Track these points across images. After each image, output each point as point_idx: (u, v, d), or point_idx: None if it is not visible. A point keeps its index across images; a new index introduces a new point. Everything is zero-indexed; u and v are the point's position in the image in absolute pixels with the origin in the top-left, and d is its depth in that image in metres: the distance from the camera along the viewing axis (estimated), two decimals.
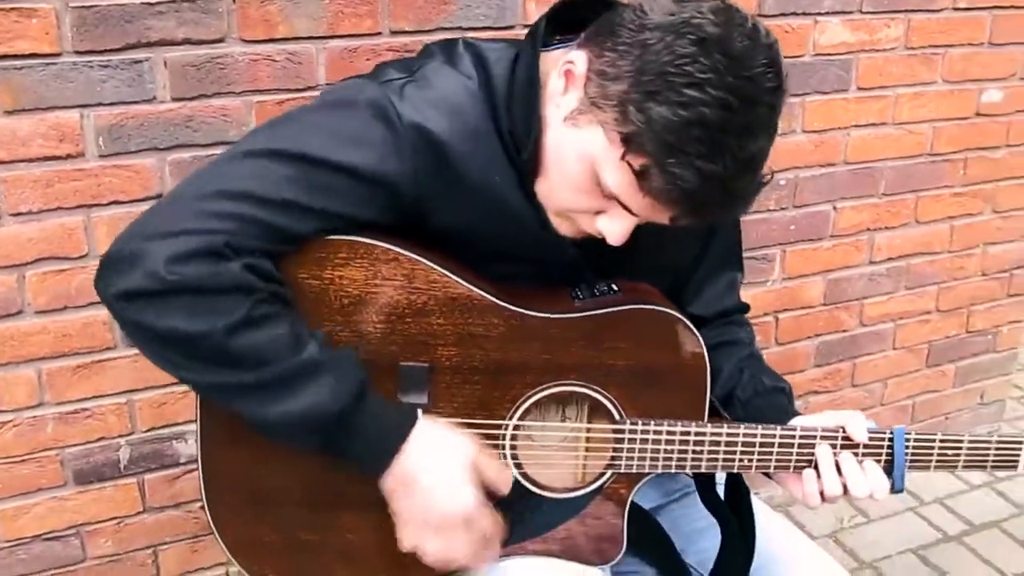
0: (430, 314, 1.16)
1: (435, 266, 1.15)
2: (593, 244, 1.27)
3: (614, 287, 1.26)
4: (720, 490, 1.47)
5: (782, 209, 2.35)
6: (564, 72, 1.11)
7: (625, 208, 1.10)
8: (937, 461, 1.32)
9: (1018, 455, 1.35)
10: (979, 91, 2.46)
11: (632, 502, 1.45)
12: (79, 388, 1.83)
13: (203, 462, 1.21)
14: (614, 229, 1.13)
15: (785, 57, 2.12)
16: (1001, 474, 2.88)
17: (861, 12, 2.22)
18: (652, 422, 1.23)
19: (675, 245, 1.36)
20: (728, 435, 1.25)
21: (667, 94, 0.99)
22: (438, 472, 1.12)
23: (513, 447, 1.24)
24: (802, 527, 2.64)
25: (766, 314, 2.45)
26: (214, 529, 1.23)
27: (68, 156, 1.68)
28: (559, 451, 1.27)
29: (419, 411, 1.15)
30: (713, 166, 0.99)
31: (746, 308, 1.55)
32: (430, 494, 1.12)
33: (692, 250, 1.41)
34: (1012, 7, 2.39)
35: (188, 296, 1.04)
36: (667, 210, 1.06)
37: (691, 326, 1.23)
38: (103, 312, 1.79)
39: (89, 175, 1.71)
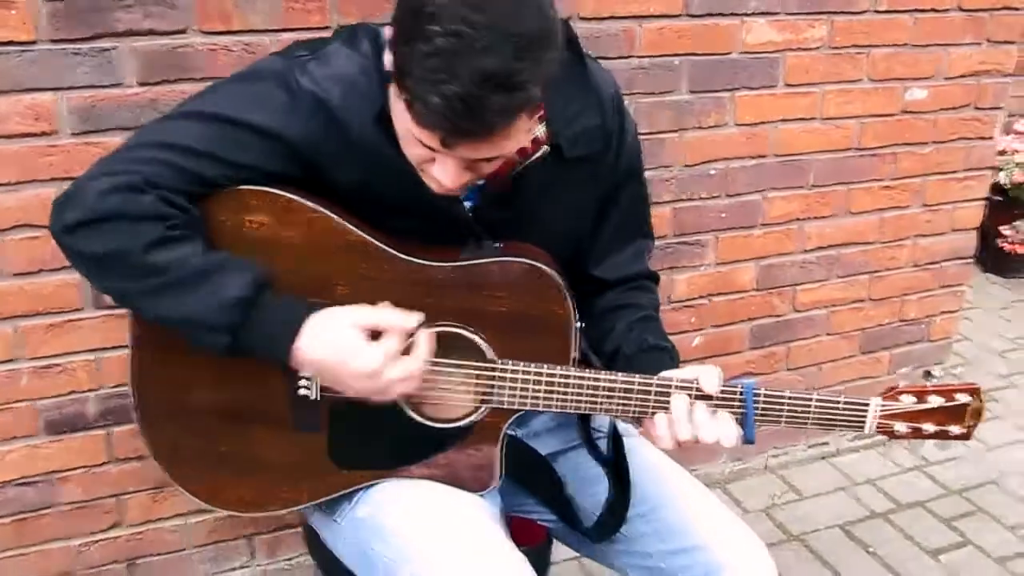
0: (329, 258, 1.34)
1: (333, 215, 1.34)
2: (488, 208, 1.44)
3: (498, 245, 1.43)
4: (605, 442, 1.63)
5: (714, 197, 2.51)
6: (386, 43, 1.28)
7: (433, 150, 1.24)
8: (787, 417, 1.45)
9: (864, 417, 1.45)
10: (903, 89, 2.63)
11: (531, 448, 1.63)
12: (52, 345, 2.02)
13: (135, 381, 1.39)
14: (439, 174, 1.28)
15: (713, 55, 2.31)
16: (934, 456, 3.03)
17: (786, 13, 2.39)
18: (522, 363, 1.40)
19: (572, 214, 1.52)
20: (592, 379, 1.41)
21: (413, 33, 1.14)
22: (336, 346, 1.29)
23: None
24: (738, 502, 2.80)
25: (701, 297, 2.62)
26: (144, 439, 1.41)
27: (43, 134, 1.87)
28: (441, 386, 1.43)
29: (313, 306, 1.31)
30: (452, 87, 1.12)
31: (653, 275, 1.69)
32: (338, 371, 1.30)
33: (587, 215, 1.55)
34: (932, 10, 2.55)
35: (113, 222, 1.26)
36: (435, 135, 1.19)
37: (560, 281, 1.39)
38: (75, 276, 1.97)
39: (63, 151, 1.90)
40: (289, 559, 2.43)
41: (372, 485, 1.47)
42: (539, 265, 1.38)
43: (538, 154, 1.41)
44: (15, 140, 1.86)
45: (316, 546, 1.65)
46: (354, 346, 1.29)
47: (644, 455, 1.64)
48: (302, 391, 1.40)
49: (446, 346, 1.41)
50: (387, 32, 1.27)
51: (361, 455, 1.45)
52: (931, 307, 3.00)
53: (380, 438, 1.44)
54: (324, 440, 1.44)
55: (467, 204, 1.44)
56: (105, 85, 1.88)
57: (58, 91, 1.85)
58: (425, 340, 1.35)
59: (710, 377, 1.42)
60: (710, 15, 2.32)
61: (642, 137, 2.27)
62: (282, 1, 1.94)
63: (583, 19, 2.19)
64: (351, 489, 1.47)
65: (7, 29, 1.79)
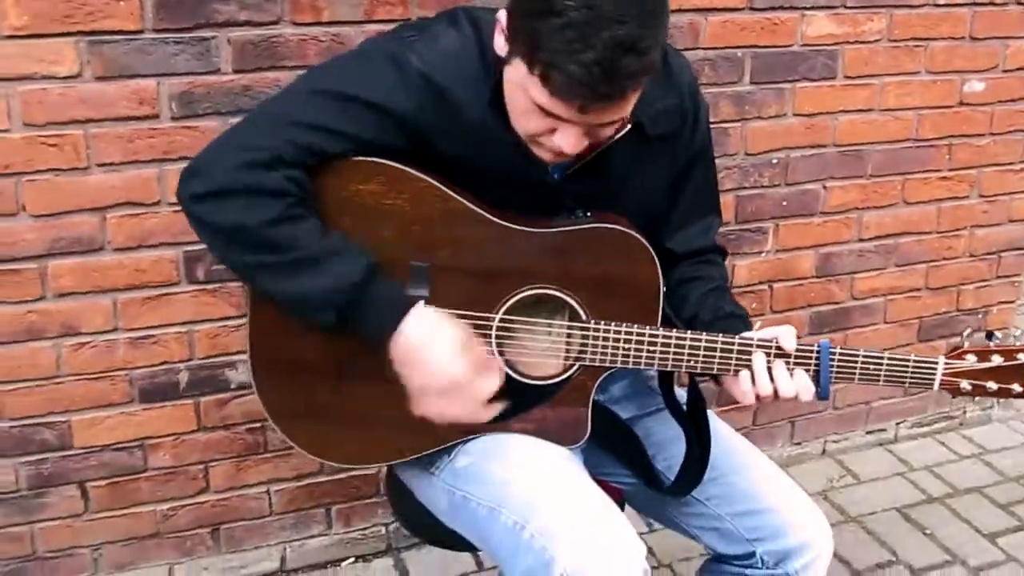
0: (433, 223, 1.45)
1: (439, 184, 1.44)
2: (576, 180, 1.54)
3: (588, 214, 1.53)
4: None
5: (775, 186, 2.59)
6: (497, 28, 1.38)
7: (561, 119, 1.34)
8: (860, 374, 1.54)
9: (933, 375, 1.54)
10: (961, 81, 2.68)
11: (613, 412, 1.72)
12: (147, 317, 2.15)
13: (252, 341, 1.50)
14: (564, 141, 1.36)
15: (774, 47, 2.39)
16: (992, 444, 3.07)
17: (845, 7, 2.46)
18: (613, 323, 1.49)
19: (650, 188, 1.62)
20: (677, 338, 1.50)
21: (543, 9, 1.24)
22: (433, 346, 1.39)
23: (500, 340, 1.51)
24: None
25: (760, 283, 2.69)
26: (257, 395, 1.53)
27: (146, 117, 2.01)
28: (537, 345, 1.53)
29: (418, 300, 1.42)
30: (590, 55, 1.22)
31: (721, 250, 1.78)
32: (426, 365, 1.40)
33: (663, 191, 1.65)
34: (991, 3, 2.61)
35: (239, 197, 1.37)
36: (573, 103, 1.29)
37: (647, 246, 1.49)
38: (172, 251, 2.11)
39: (163, 134, 2.03)
40: (363, 529, 2.54)
41: (471, 439, 1.56)
42: (629, 231, 1.48)
43: (623, 132, 1.51)
44: (120, 123, 2.00)
45: (402, 502, 1.75)
46: (451, 351, 1.39)
47: (715, 427, 1.72)
48: None
49: (542, 307, 1.51)
50: (501, 16, 1.36)
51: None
52: (988, 297, 3.04)
53: None
54: None
55: (555, 177, 1.54)
56: (203, 72, 2.01)
57: (161, 77, 1.99)
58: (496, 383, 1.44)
59: (788, 336, 1.52)
60: (772, 9, 2.40)
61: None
62: None
63: None
64: (451, 443, 1.57)
65: (117, 19, 1.92)
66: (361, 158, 1.43)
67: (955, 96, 2.70)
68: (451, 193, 1.45)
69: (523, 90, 1.34)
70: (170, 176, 2.05)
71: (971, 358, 1.54)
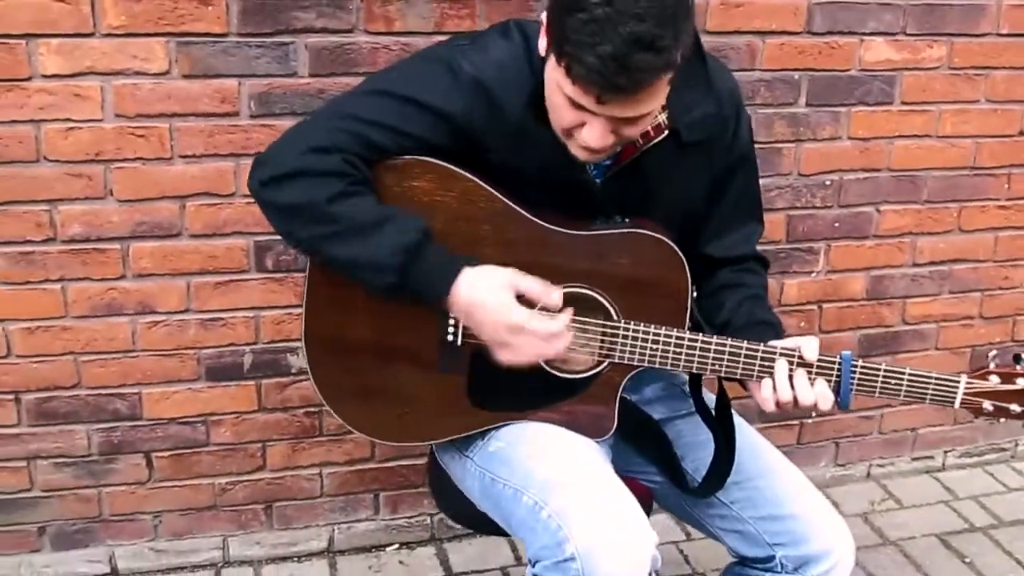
0: (478, 221, 1.56)
1: (484, 184, 1.55)
2: (614, 187, 1.63)
3: (626, 220, 1.62)
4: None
5: (827, 207, 2.63)
6: (541, 30, 1.48)
7: (587, 111, 1.42)
8: (881, 387, 1.59)
9: (954, 392, 1.59)
10: (1023, 111, 2.69)
11: (645, 412, 1.80)
12: (217, 301, 2.30)
13: (306, 321, 1.63)
14: (590, 135, 1.45)
15: (831, 71, 2.45)
16: None
17: (905, 34, 2.50)
18: (642, 324, 1.58)
19: (688, 194, 1.70)
20: (703, 342, 1.58)
21: (572, 7, 1.34)
22: (486, 298, 1.49)
23: None
24: (837, 505, 2.87)
25: (810, 302, 2.73)
26: (309, 372, 1.65)
27: (226, 114, 2.16)
28: (572, 341, 1.61)
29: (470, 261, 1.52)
30: (607, 48, 1.31)
31: (761, 258, 1.84)
32: (485, 316, 1.50)
33: (701, 196, 1.72)
34: None
35: (303, 177, 1.50)
36: (591, 93, 1.37)
37: (678, 252, 1.57)
38: (244, 240, 2.26)
39: (241, 130, 2.18)
40: (409, 517, 2.65)
41: (503, 425, 1.66)
42: (663, 238, 1.57)
43: (659, 138, 1.60)
44: (202, 118, 2.15)
45: (440, 485, 1.85)
46: (505, 300, 1.50)
47: (743, 432, 1.78)
48: (449, 336, 1.61)
49: (576, 305, 1.60)
50: (542, 19, 1.47)
51: (496, 398, 1.64)
52: None
53: (514, 383, 1.62)
54: (464, 382, 1.64)
55: (597, 181, 1.63)
56: (281, 75, 2.16)
57: (242, 77, 2.14)
58: (567, 317, 1.53)
59: (810, 346, 1.58)
60: (830, 33, 2.45)
61: (760, 146, 2.48)
62: (438, 7, 2.18)
63: (708, 32, 2.36)
64: (485, 428, 1.67)
65: (205, 22, 2.08)
66: (414, 157, 1.54)
67: (1016, 125, 2.71)
68: (495, 193, 1.55)
69: (556, 84, 1.44)
70: (246, 170, 2.10)
71: (994, 379, 1.58)
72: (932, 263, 2.80)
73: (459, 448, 1.71)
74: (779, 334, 1.69)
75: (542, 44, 1.48)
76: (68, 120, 2.09)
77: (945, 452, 3.09)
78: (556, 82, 1.44)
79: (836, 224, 2.66)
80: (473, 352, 1.61)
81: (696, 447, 1.79)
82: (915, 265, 2.79)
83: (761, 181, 2.46)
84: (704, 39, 2.31)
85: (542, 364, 1.61)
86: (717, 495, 1.74)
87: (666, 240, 1.57)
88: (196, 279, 2.27)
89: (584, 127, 1.46)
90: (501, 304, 1.49)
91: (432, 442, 1.71)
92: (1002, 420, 1.62)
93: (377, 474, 2.58)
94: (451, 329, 1.61)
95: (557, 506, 1.49)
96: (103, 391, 2.32)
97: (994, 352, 1.62)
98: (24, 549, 2.43)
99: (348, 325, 1.61)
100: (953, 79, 2.59)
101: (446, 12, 2.19)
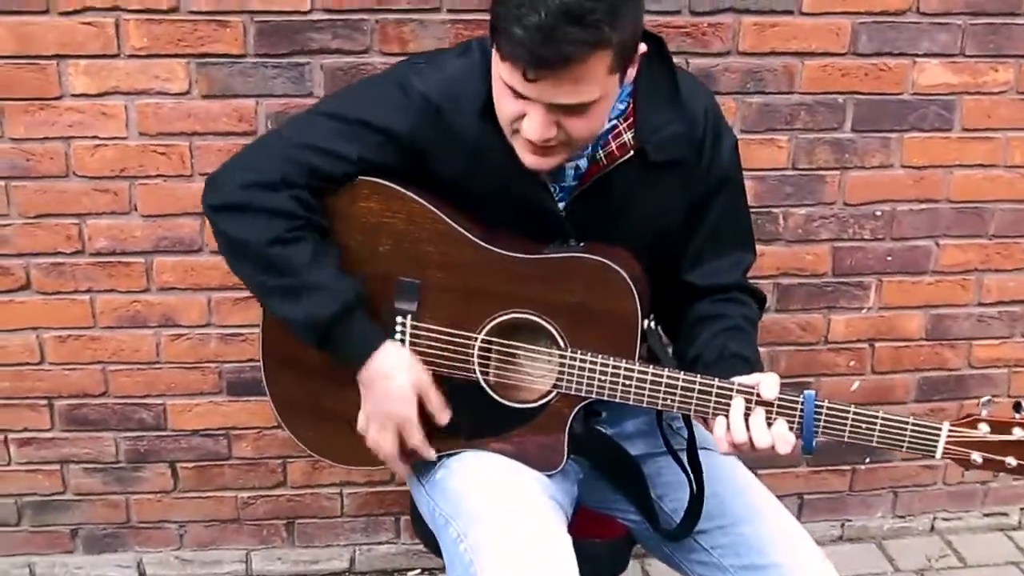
0: (423, 242, 1.52)
1: (430, 206, 1.52)
2: (578, 208, 1.57)
3: (582, 244, 1.55)
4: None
5: (878, 239, 2.46)
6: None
7: (523, 98, 1.36)
8: (851, 432, 1.45)
9: (935, 441, 1.43)
10: None
11: (620, 446, 1.71)
12: (238, 316, 2.34)
13: (262, 334, 1.64)
14: (528, 128, 1.39)
15: (880, 94, 2.31)
16: None
17: (964, 55, 2.32)
18: (589, 354, 1.50)
19: (660, 217, 1.61)
20: (654, 375, 1.48)
21: None
22: (393, 381, 1.51)
23: (484, 361, 1.55)
24: (891, 560, 2.68)
25: (860, 340, 2.55)
26: (266, 389, 1.64)
27: (245, 133, 2.20)
28: (519, 368, 1.56)
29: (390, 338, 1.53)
30: (533, 18, 1.26)
31: (749, 289, 1.72)
32: (383, 396, 1.51)
33: (677, 221, 1.62)
34: None
35: (248, 213, 1.50)
36: (517, 67, 1.32)
37: (627, 279, 1.48)
38: None
39: None
40: None
41: (455, 454, 1.61)
42: (609, 263, 1.48)
43: (624, 157, 1.53)
44: (221, 137, 2.20)
45: (413, 510, 1.81)
46: (409, 394, 1.53)
47: (730, 470, 1.68)
48: None
49: (523, 332, 1.54)
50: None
51: (446, 426, 1.59)
52: None
53: (461, 411, 1.58)
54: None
55: (561, 204, 1.57)
56: (297, 95, 2.19)
57: (259, 97, 2.18)
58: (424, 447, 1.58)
59: (769, 383, 1.46)
60: (878, 55, 2.30)
61: (800, 172, 2.36)
62: (452, 28, 2.17)
63: (741, 53, 2.26)
64: (437, 455, 1.62)
65: (223, 44, 2.13)
66: (362, 178, 1.52)
67: None
68: (440, 215, 1.51)
69: (497, 74, 1.40)
70: None
71: (984, 428, 1.42)
72: (1001, 303, 2.57)
73: (418, 474, 1.68)
74: (753, 368, 1.57)
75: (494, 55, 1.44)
76: (95, 137, 2.18)
77: (1022, 509, 2.83)
78: (497, 71, 1.40)
79: (888, 258, 2.48)
80: None
81: (676, 487, 1.68)
82: (981, 304, 2.57)
83: (802, 210, 2.39)
84: (736, 62, 2.27)
85: (491, 393, 1.55)
86: (699, 540, 1.64)
87: (612, 265, 1.49)
88: (216, 294, 2.32)
89: (524, 119, 1.41)
90: (406, 395, 1.52)
91: (383, 467, 1.67)
92: (997, 475, 1.45)
93: (397, 497, 2.56)
94: (371, 404, 1.57)
95: (473, 539, 1.43)
96: (129, 400, 2.40)
97: (987, 398, 1.46)
98: (58, 549, 2.52)
99: (304, 348, 1.60)
100: (1022, 105, 2.39)
101: (460, 32, 2.17)
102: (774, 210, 2.40)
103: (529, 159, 1.47)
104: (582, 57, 1.31)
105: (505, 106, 1.43)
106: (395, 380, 1.52)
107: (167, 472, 2.47)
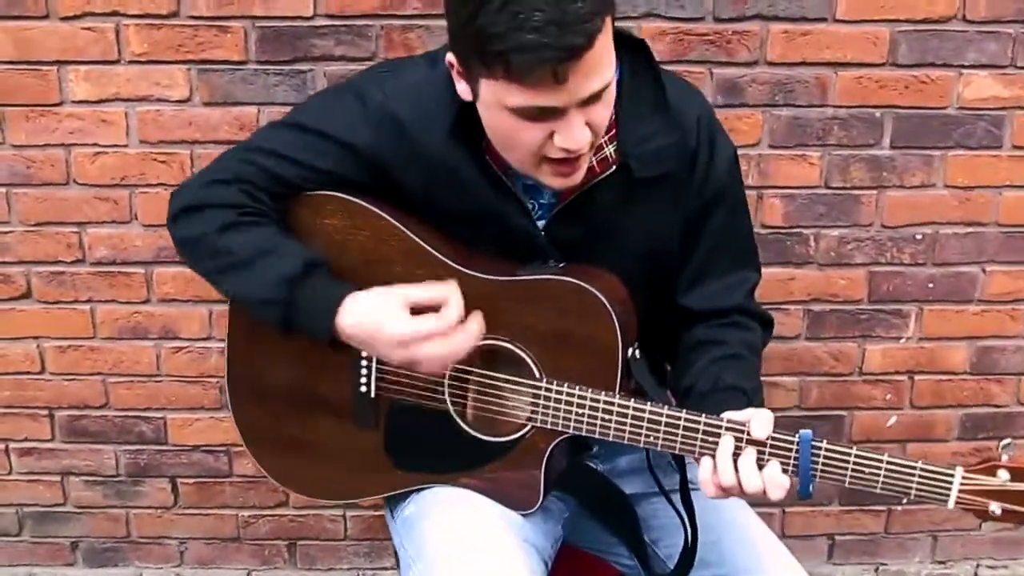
0: (391, 262, 1.42)
1: (397, 223, 1.41)
2: (560, 227, 1.45)
3: (561, 265, 1.43)
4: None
5: (919, 264, 2.29)
6: (454, 75, 1.32)
7: (549, 114, 1.24)
8: (852, 477, 1.31)
9: (948, 489, 1.29)
10: None
11: (612, 484, 1.59)
12: None
13: (228, 359, 1.55)
14: (568, 135, 1.25)
15: (922, 108, 2.15)
16: None
17: (1016, 67, 2.14)
18: (567, 384, 1.38)
19: (650, 235, 1.48)
20: (635, 409, 1.35)
21: (473, 8, 1.17)
22: (375, 313, 1.33)
23: (460, 388, 1.44)
24: None
25: (898, 372, 2.38)
26: (231, 413, 1.56)
27: None
28: (493, 400, 1.45)
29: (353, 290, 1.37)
30: (537, 16, 1.14)
31: (753, 312, 1.57)
32: (379, 340, 1.34)
33: (670, 240, 1.49)
34: None
35: (201, 210, 1.44)
36: (545, 74, 1.18)
37: (605, 303, 1.35)
38: None
39: None
40: None
41: (425, 489, 1.50)
42: (585, 285, 1.36)
43: (606, 173, 1.41)
44: (222, 145, 2.09)
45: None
46: (391, 313, 1.33)
47: (731, 513, 1.55)
48: (361, 387, 1.48)
49: (496, 360, 1.43)
50: (451, 59, 1.31)
51: (414, 457, 1.49)
52: None
53: (432, 443, 1.48)
54: (381, 439, 1.50)
55: (540, 223, 1.46)
56: (300, 102, 2.10)
57: (260, 105, 2.11)
58: (476, 321, 1.34)
59: (761, 421, 1.32)
60: (919, 66, 2.13)
61: (834, 191, 2.20)
62: None
63: (769, 63, 2.12)
64: (406, 490, 1.52)
65: (224, 50, 2.07)
66: (326, 192, 1.44)
67: None
68: (408, 233, 1.41)
69: (502, 108, 1.26)
70: None
71: (1004, 475, 1.27)
72: None
73: (390, 507, 1.57)
74: (753, 401, 1.43)
75: (462, 89, 1.33)
76: (95, 145, 2.14)
77: None
78: (501, 106, 1.26)
79: (930, 284, 2.31)
80: (390, 406, 1.47)
81: (673, 530, 1.54)
82: None
83: (835, 231, 2.23)
84: (764, 72, 2.13)
85: (461, 424, 1.44)
86: None
87: (590, 289, 1.36)
88: (217, 307, 2.25)
89: (554, 136, 1.27)
90: (389, 322, 1.33)
91: (350, 501, 1.57)
92: (1019, 527, 1.30)
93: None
94: (363, 379, 1.47)
95: None
96: (130, 413, 2.35)
97: (1007, 441, 1.30)
98: (59, 562, 2.49)
99: (267, 368, 1.51)
100: None
101: None
102: (805, 231, 2.24)
103: (559, 181, 1.35)
104: (599, 27, 1.19)
105: (526, 137, 1.28)
106: (376, 314, 1.33)
107: (167, 487, 2.41)
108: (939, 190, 2.24)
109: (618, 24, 1.31)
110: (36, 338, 2.28)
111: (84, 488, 2.41)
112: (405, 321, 1.33)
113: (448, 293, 1.34)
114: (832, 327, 2.33)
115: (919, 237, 2.27)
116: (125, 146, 2.13)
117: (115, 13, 2.04)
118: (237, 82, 2.09)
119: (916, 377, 2.39)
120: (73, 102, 2.10)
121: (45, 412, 2.34)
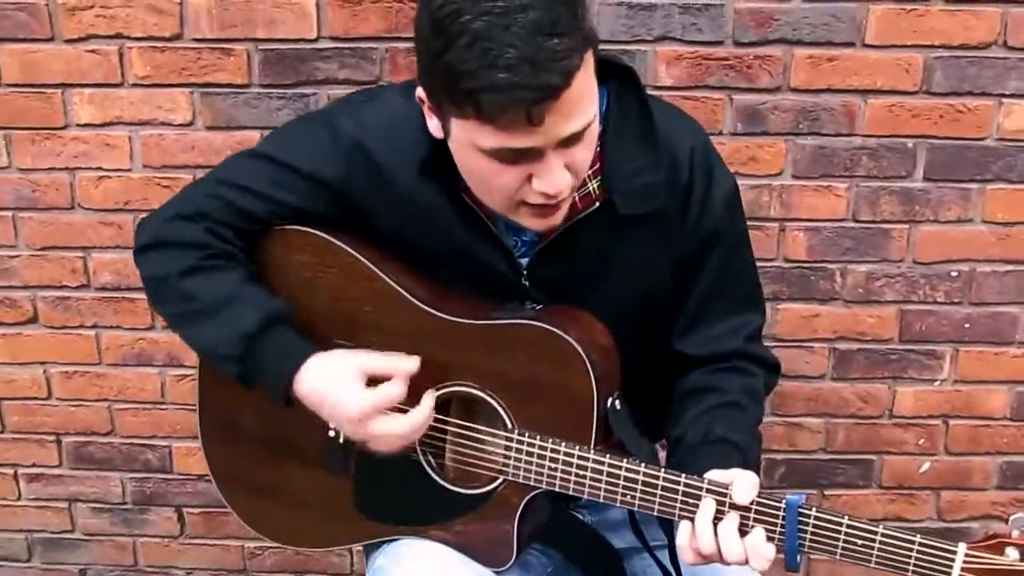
0: (361, 301, 1.35)
1: (368, 262, 1.34)
2: (541, 267, 1.37)
3: (538, 307, 1.34)
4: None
5: (954, 303, 2.15)
6: (425, 111, 1.25)
7: (526, 156, 1.17)
8: (844, 549, 1.20)
9: (950, 566, 1.16)
10: None
11: (600, 536, 1.50)
12: None
13: (199, 399, 1.49)
14: (547, 178, 1.18)
15: (958, 139, 2.02)
16: None
17: None
18: (539, 437, 1.29)
19: (638, 276, 1.39)
20: (611, 466, 1.26)
21: (445, 40, 1.10)
22: (331, 386, 1.28)
23: (436, 437, 1.37)
24: None
25: (932, 416, 2.24)
26: (204, 452, 1.50)
27: None
28: (468, 449, 1.37)
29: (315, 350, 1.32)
30: (510, 53, 1.07)
31: (755, 356, 1.46)
32: (332, 411, 1.30)
33: (662, 281, 1.40)
34: None
35: (163, 248, 1.38)
36: (518, 115, 1.11)
37: (579, 350, 1.26)
38: None
39: None
40: None
41: (396, 540, 1.43)
42: (556, 331, 1.27)
43: (589, 209, 1.32)
44: None
45: None
46: (347, 389, 1.28)
47: (732, 573, 1.44)
48: (331, 432, 1.41)
49: (467, 409, 1.35)
50: (420, 94, 1.23)
51: (383, 507, 1.42)
52: None
53: (402, 492, 1.40)
54: (351, 487, 1.43)
55: (523, 261, 1.38)
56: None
57: (264, 129, 2.05)
58: (427, 402, 1.30)
59: (744, 484, 1.22)
60: (956, 94, 2.00)
61: (862, 225, 2.08)
62: None
63: (793, 90, 2.01)
64: (378, 540, 1.44)
65: (227, 73, 2.03)
66: (297, 227, 1.37)
67: None
68: (379, 272, 1.34)
69: (475, 150, 1.18)
70: None
71: (1013, 553, 1.15)
72: None
73: (366, 555, 1.50)
74: (747, 457, 1.33)
75: (433, 126, 1.25)
76: (99, 169, 2.11)
77: None
78: (474, 145, 1.18)
79: (966, 325, 2.17)
80: (360, 452, 1.39)
81: None
82: None
83: (863, 267, 2.11)
84: (788, 99, 2.02)
85: (431, 473, 1.36)
86: None
87: (562, 335, 1.26)
88: None
89: (532, 179, 1.19)
90: (344, 395, 1.27)
91: (321, 550, 1.50)
92: None
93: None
94: (333, 423, 1.40)
95: None
96: (135, 440, 2.32)
97: (1019, 515, 1.18)
98: None
99: (238, 411, 1.46)
100: None
101: None
102: (830, 266, 2.12)
103: (539, 223, 1.27)
104: (577, 65, 1.11)
105: (501, 180, 1.21)
106: (333, 384, 1.29)
107: (174, 517, 2.38)
108: (976, 225, 2.10)
109: (603, 50, 1.23)
110: (43, 363, 2.26)
111: (91, 515, 2.39)
112: (359, 399, 1.27)
113: (406, 367, 1.29)
114: (860, 367, 2.20)
115: (954, 274, 2.13)
116: (128, 170, 2.10)
117: (119, 35, 2.00)
118: (240, 106, 2.05)
119: (951, 421, 2.25)
120: (78, 125, 2.08)
121: (52, 438, 2.32)
